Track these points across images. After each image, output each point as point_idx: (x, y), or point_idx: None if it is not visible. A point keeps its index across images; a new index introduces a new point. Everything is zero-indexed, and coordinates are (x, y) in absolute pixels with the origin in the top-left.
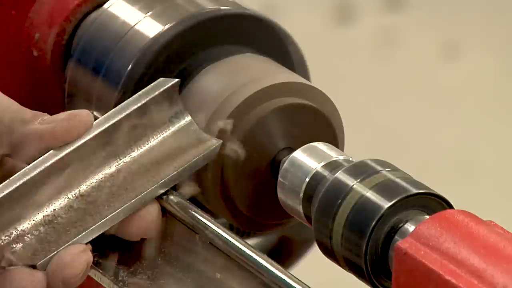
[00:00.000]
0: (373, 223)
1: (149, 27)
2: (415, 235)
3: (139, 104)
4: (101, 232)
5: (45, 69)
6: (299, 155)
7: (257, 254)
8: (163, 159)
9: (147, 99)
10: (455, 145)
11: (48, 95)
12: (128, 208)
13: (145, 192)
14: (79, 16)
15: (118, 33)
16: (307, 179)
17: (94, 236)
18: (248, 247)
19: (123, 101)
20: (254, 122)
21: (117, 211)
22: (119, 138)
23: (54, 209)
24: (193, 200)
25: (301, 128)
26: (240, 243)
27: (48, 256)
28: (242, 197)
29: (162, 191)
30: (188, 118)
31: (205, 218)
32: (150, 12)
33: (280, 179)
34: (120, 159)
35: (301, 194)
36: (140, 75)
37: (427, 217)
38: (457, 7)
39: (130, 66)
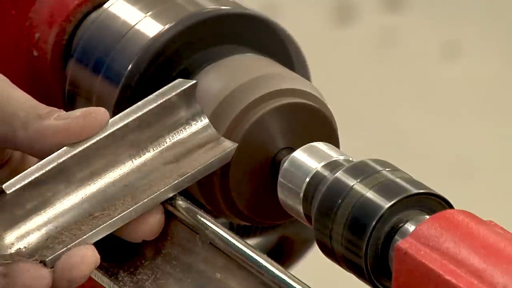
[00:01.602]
0: (373, 223)
1: (149, 26)
2: (415, 235)
3: (155, 104)
4: (111, 231)
5: (46, 68)
6: (299, 155)
7: (257, 254)
8: (178, 160)
9: (164, 99)
10: (455, 145)
11: (49, 94)
12: (140, 208)
13: (158, 193)
14: (79, 16)
15: (119, 33)
16: (307, 179)
17: (104, 235)
18: (248, 247)
19: (123, 101)
20: (254, 122)
21: (129, 210)
22: (134, 138)
23: (66, 206)
24: (193, 200)
25: (301, 128)
26: (240, 243)
27: (57, 253)
28: (242, 197)
29: (175, 192)
30: (205, 120)
31: (205, 218)
32: (150, 12)
33: (280, 179)
34: (135, 159)
35: (301, 194)
36: (140, 75)
37: (427, 217)
38: (457, 7)
39: (130, 65)
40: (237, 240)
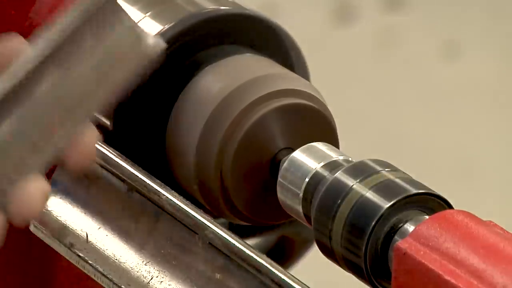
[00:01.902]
0: (373, 223)
1: (149, 27)
2: (415, 235)
3: (76, 15)
4: (55, 156)
5: None
6: (298, 155)
7: (257, 254)
8: (107, 68)
9: (84, 7)
10: (455, 145)
11: None
12: (78, 124)
13: (92, 106)
14: None
15: None
16: (307, 179)
17: (48, 163)
18: (248, 247)
19: (122, 100)
20: (254, 122)
21: (68, 128)
22: (61, 49)
23: (4, 139)
24: (192, 200)
25: (301, 128)
26: (240, 243)
27: (5, 191)
28: (241, 197)
29: (108, 103)
30: (126, 17)
31: (205, 218)
32: (150, 12)
33: (279, 179)
34: (64, 75)
35: (301, 194)
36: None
37: (427, 217)
38: (457, 7)
39: None
40: (236, 240)
